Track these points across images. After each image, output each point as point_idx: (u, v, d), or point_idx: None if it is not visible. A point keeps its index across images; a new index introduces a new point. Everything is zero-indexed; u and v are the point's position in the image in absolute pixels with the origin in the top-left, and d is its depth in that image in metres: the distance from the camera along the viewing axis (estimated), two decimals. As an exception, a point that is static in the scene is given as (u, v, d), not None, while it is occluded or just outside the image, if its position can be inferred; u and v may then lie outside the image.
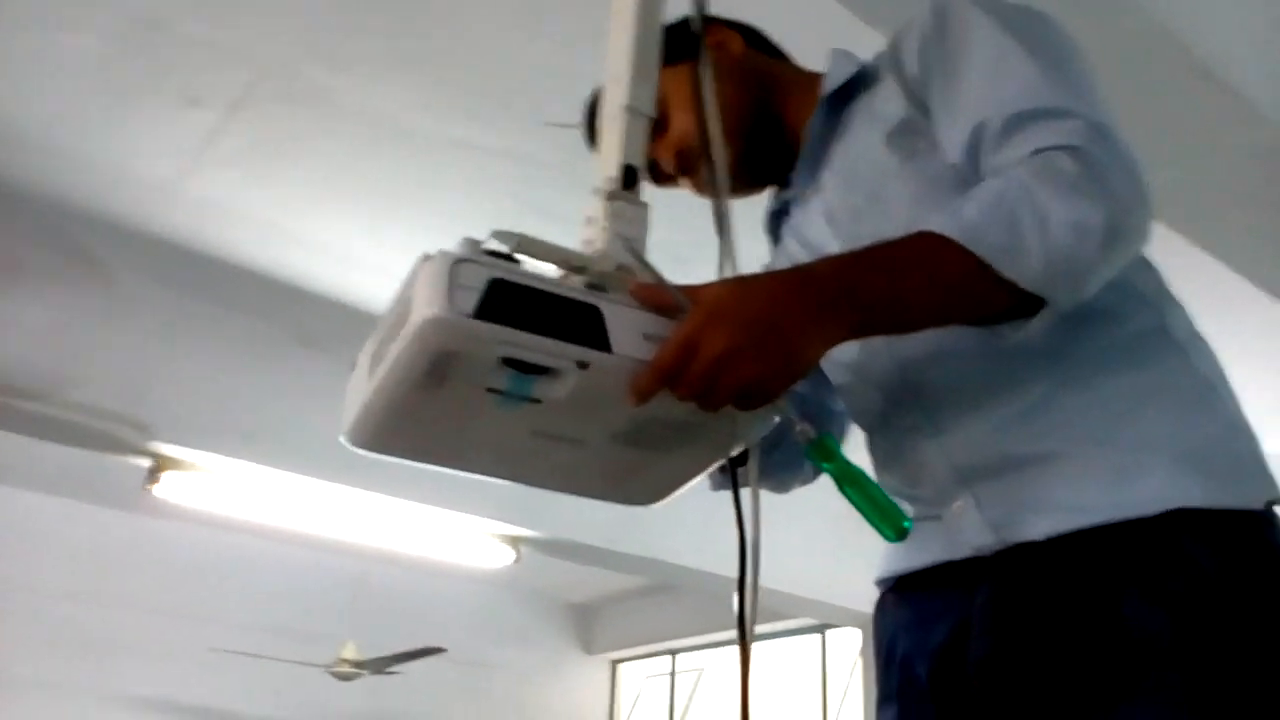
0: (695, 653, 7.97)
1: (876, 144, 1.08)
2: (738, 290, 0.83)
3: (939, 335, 1.00)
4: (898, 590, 1.13)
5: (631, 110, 0.96)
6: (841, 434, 1.28)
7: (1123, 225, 0.87)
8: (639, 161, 0.96)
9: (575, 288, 0.82)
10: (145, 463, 3.93)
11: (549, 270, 0.86)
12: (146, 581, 6.79)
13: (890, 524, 0.86)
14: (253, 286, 3.83)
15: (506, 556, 4.92)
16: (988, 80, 0.99)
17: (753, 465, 0.95)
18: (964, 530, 1.00)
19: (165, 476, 3.95)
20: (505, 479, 0.95)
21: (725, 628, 7.32)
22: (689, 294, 0.83)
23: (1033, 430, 0.97)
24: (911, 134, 1.05)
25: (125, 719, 6.61)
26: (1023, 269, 0.84)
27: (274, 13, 2.56)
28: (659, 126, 1.15)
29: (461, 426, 0.85)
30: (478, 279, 0.75)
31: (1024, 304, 0.86)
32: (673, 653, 8.19)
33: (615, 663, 8.76)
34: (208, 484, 4.09)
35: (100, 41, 2.68)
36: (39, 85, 2.87)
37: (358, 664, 6.37)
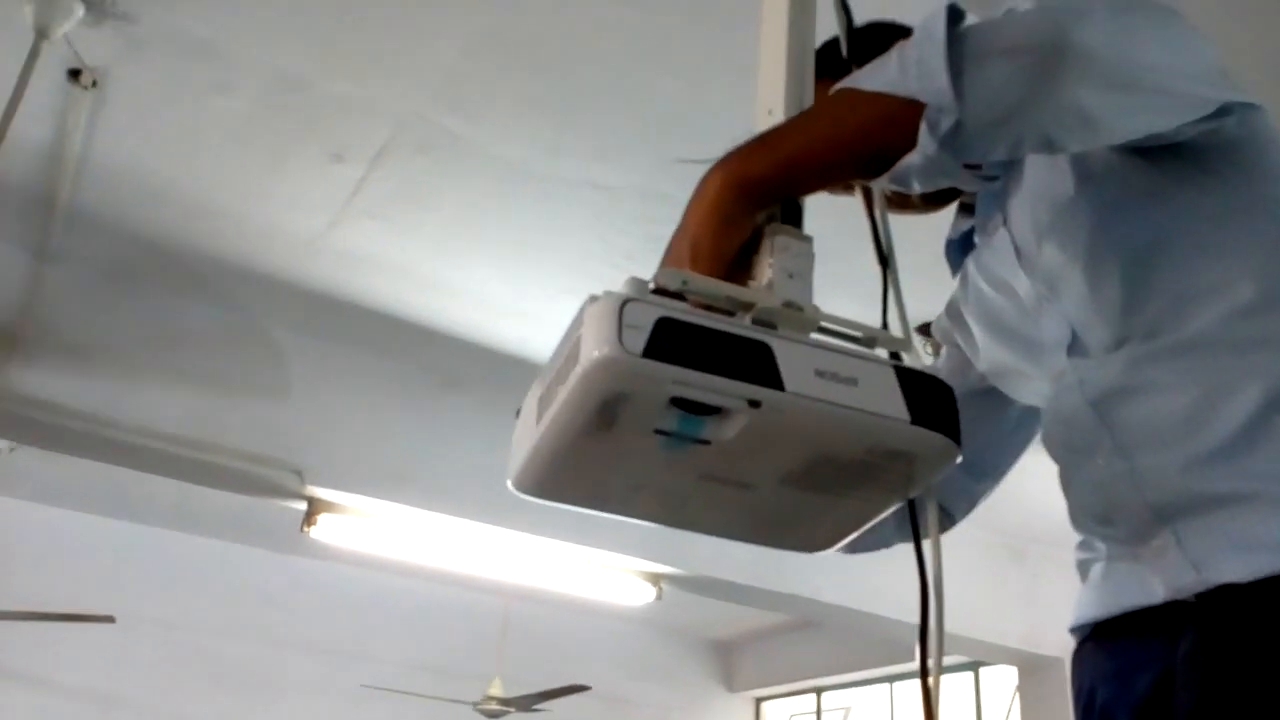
0: (841, 691, 7.79)
1: (1057, 169, 1.03)
2: None
3: (1127, 369, 0.96)
4: (1095, 639, 1.07)
5: None
6: (965, 508, 1.29)
7: (984, 20, 0.84)
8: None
9: (744, 325, 0.80)
10: (301, 506, 4.08)
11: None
12: (301, 620, 7.02)
13: None
14: (397, 332, 3.94)
15: (648, 594, 4.91)
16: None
17: (931, 509, 0.91)
18: (1163, 570, 0.94)
19: (320, 519, 4.08)
20: (671, 525, 0.93)
21: (871, 665, 7.15)
22: None
23: (1232, 468, 0.91)
24: (1087, 154, 1.00)
25: (283, 755, 6.82)
26: (884, 75, 0.84)
27: (409, 67, 2.64)
28: None
29: (629, 471, 0.84)
30: (646, 318, 0.74)
31: (910, 128, 0.83)
32: (818, 691, 8.03)
33: (759, 700, 8.63)
34: (360, 526, 4.21)
35: (248, 105, 2.80)
36: (191, 147, 3.02)
37: (504, 701, 6.43)
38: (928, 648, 0.89)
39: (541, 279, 3.54)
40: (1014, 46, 0.85)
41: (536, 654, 7.28)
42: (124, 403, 3.60)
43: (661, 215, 3.13)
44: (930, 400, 0.80)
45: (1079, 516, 1.09)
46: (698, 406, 0.75)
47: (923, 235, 1.32)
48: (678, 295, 0.80)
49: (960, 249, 1.23)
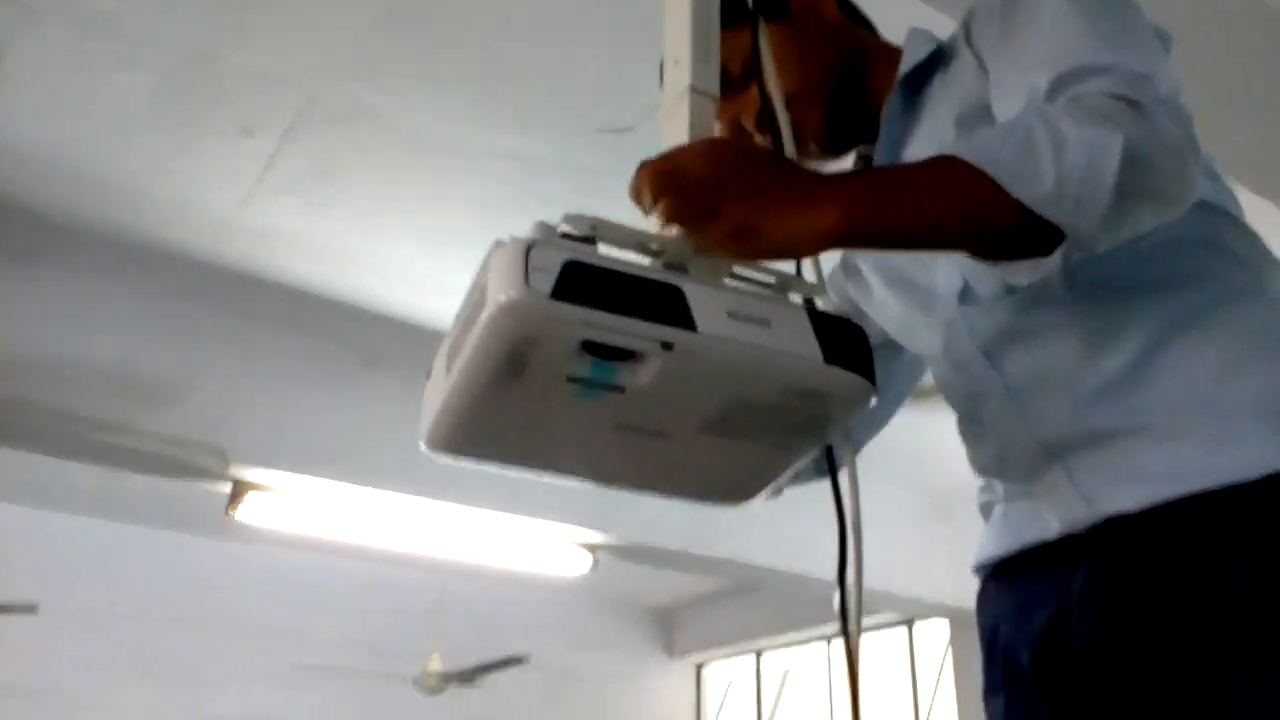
0: (780, 651, 7.90)
1: (949, 127, 1.04)
2: (744, 146, 0.85)
3: (1015, 313, 0.98)
4: (997, 576, 1.09)
5: (696, 91, 0.94)
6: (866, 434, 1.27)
7: (1148, 154, 0.80)
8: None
9: (654, 269, 0.79)
10: (225, 488, 4.00)
11: (626, 254, 0.83)
12: (231, 604, 6.91)
13: None
14: (318, 310, 3.87)
15: (585, 563, 4.92)
16: (1042, 46, 0.95)
17: (849, 453, 0.92)
18: (1056, 506, 0.97)
19: (246, 499, 4.01)
20: (589, 480, 0.92)
21: (809, 626, 7.25)
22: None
23: (1120, 404, 0.93)
24: (985, 115, 1.01)
25: (216, 742, 6.73)
26: (1034, 188, 0.79)
27: (319, 38, 2.58)
28: (743, 83, 1.13)
29: (543, 423, 0.82)
30: (553, 262, 0.72)
31: (1039, 234, 0.80)
32: (757, 653, 8.13)
33: (699, 665, 8.72)
34: (287, 505, 4.15)
35: (152, 78, 2.72)
36: (97, 125, 2.92)
37: (443, 676, 6.42)
38: (847, 591, 0.89)
39: (465, 254, 3.47)
40: (1162, 193, 0.84)
41: (474, 629, 7.26)
42: (38, 388, 3.49)
43: (587, 186, 3.10)
44: (843, 340, 0.80)
45: (977, 460, 1.11)
46: (610, 351, 0.74)
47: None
48: (586, 240, 0.79)
49: None
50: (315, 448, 3.94)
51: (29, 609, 5.11)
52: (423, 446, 0.85)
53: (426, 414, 0.83)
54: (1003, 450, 1.04)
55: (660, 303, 0.74)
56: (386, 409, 3.97)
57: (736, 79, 1.12)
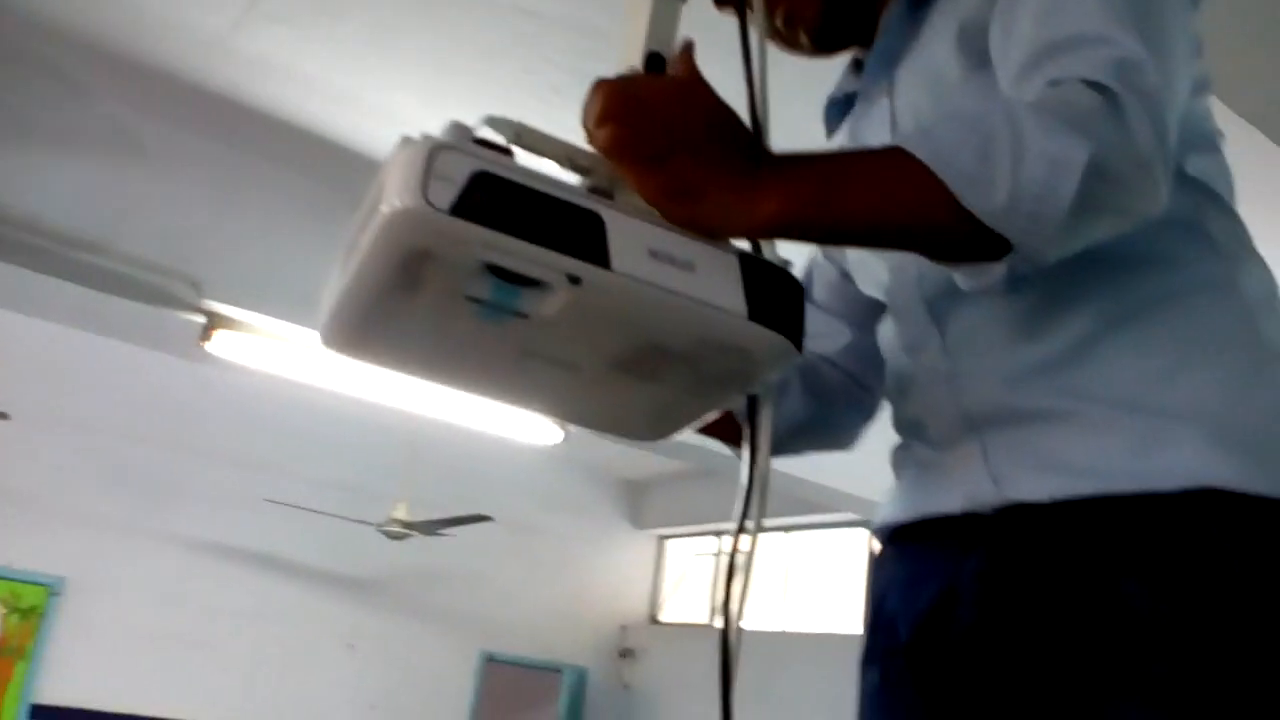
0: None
1: (947, 45, 0.95)
2: (718, 103, 0.75)
3: None
4: (894, 542, 1.05)
5: None
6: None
7: (1113, 169, 0.73)
8: (667, 49, 0.83)
9: (576, 190, 0.71)
10: (199, 319, 3.94)
11: (549, 168, 0.74)
12: (208, 429, 6.98)
13: None
14: (304, 145, 3.74)
15: (556, 434, 4.93)
16: (1048, 4, 0.84)
17: (766, 410, 0.85)
18: (964, 480, 0.92)
19: (217, 335, 3.96)
20: (493, 398, 0.86)
21: (773, 514, 7.36)
22: None
23: (1053, 384, 0.87)
24: (983, 38, 0.91)
25: (179, 558, 6.88)
26: (986, 200, 0.72)
27: None
28: None
29: (443, 338, 0.76)
30: (460, 170, 0.65)
31: (988, 243, 0.74)
32: (719, 534, 8.28)
33: (662, 538, 8.89)
34: (261, 344, 4.11)
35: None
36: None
37: (408, 524, 6.52)
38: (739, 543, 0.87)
39: (462, 104, 3.37)
40: (1123, 208, 0.77)
41: (444, 479, 7.35)
42: (15, 196, 3.40)
43: (592, 49, 2.97)
44: (773, 295, 0.73)
45: (898, 417, 1.07)
46: (514, 276, 0.67)
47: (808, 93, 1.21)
48: (505, 149, 0.71)
49: (840, 111, 1.14)
50: (292, 289, 3.87)
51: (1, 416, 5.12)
52: (318, 340, 0.80)
53: (323, 306, 0.78)
54: (925, 412, 0.99)
55: (575, 232, 0.68)
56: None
57: None
